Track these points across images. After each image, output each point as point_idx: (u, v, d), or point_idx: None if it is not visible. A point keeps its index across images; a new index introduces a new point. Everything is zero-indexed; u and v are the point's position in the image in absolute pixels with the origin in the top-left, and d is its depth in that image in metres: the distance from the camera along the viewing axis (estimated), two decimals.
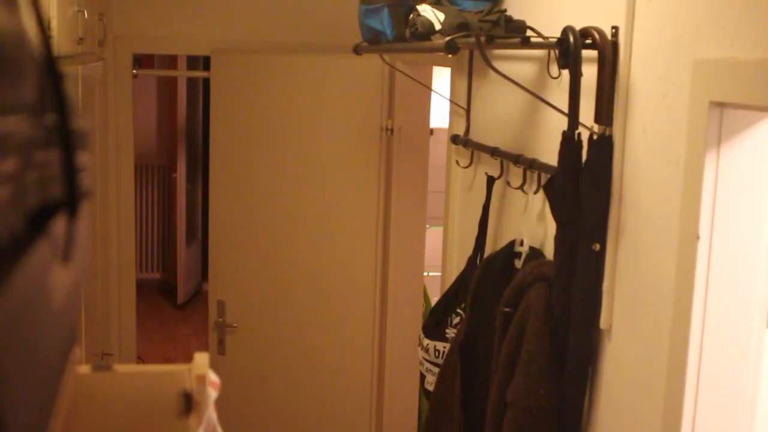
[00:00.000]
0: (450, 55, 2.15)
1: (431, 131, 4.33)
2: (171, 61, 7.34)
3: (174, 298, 7.73)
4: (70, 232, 0.53)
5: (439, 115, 4.71)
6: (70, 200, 0.53)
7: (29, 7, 0.50)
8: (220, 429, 1.29)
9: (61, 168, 0.52)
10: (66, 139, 0.52)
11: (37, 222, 0.47)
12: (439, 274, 3.41)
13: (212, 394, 1.20)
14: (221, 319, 4.11)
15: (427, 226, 4.22)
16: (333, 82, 3.97)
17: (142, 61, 4.47)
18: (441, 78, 4.19)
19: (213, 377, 1.20)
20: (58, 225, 0.51)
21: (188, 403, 0.66)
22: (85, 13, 2.88)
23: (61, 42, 2.42)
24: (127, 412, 0.64)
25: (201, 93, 7.70)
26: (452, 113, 3.18)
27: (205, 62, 4.48)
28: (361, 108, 3.96)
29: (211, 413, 1.24)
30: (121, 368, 0.76)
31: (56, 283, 0.48)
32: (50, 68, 0.53)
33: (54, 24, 2.31)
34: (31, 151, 0.47)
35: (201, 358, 1.12)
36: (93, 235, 3.33)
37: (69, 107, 0.53)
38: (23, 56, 0.48)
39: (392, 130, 3.95)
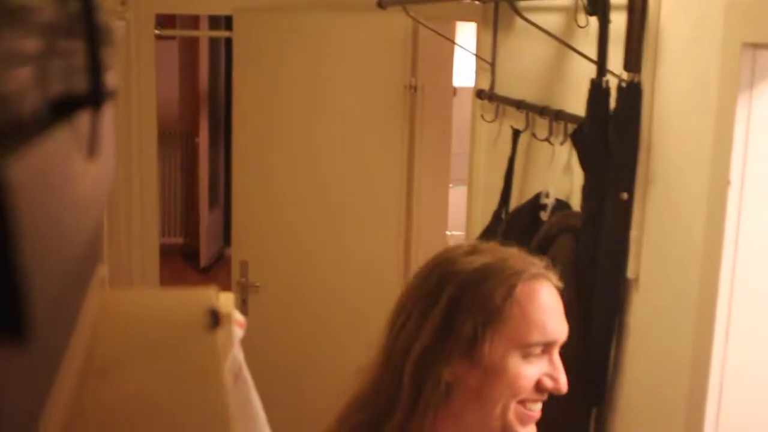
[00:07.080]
0: (477, 2, 2.12)
1: (455, 90, 4.29)
2: (193, 24, 7.31)
3: (196, 263, 7.75)
4: (95, 128, 0.51)
5: (463, 74, 4.66)
6: (95, 96, 0.51)
7: None
8: (245, 368, 1.28)
9: (86, 61, 0.50)
10: (91, 31, 0.50)
11: (60, 112, 0.46)
12: (462, 233, 3.39)
13: (238, 332, 1.20)
14: (244, 279, 4.12)
15: (450, 185, 4.20)
16: (356, 39, 3.93)
17: (163, 22, 4.44)
18: (465, 36, 4.15)
19: (238, 316, 1.19)
20: (83, 118, 0.49)
21: (215, 318, 0.65)
22: None
23: None
24: (151, 328, 0.63)
25: (223, 57, 7.67)
26: (477, 68, 3.14)
27: (227, 23, 4.45)
28: (385, 66, 3.93)
29: (237, 352, 1.24)
30: (143, 291, 0.75)
31: (80, 174, 0.46)
32: None
33: None
34: (55, 35, 0.45)
35: (226, 298, 1.11)
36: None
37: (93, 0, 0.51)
38: None
39: (416, 88, 3.92)
